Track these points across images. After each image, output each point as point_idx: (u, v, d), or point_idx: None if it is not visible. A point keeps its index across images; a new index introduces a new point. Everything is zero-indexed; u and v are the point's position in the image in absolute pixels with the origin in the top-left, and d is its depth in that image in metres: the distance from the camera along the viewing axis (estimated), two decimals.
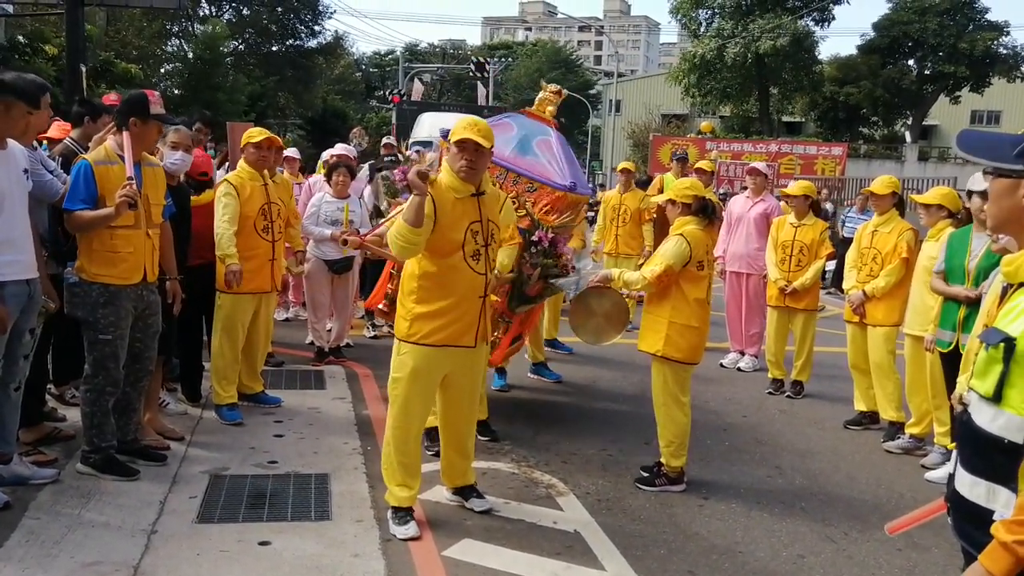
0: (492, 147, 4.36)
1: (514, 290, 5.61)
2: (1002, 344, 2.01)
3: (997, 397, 2.02)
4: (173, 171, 5.41)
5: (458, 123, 4.34)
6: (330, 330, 8.11)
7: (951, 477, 2.23)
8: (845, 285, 6.85)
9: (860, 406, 6.90)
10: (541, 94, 6.46)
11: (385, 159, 9.30)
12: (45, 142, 5.83)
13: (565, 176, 5.95)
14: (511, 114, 6.57)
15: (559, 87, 6.58)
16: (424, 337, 4.30)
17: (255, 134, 6.11)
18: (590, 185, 7.01)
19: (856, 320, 6.65)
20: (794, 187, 7.92)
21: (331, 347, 7.98)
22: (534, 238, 5.59)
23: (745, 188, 9.40)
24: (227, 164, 7.44)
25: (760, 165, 9.11)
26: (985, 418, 2.06)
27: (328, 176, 8.02)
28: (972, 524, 2.11)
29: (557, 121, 6.40)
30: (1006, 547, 1.90)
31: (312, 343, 8.11)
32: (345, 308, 8.15)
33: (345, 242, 6.70)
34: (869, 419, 6.86)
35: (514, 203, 5.59)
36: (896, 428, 6.46)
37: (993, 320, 2.15)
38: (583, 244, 9.65)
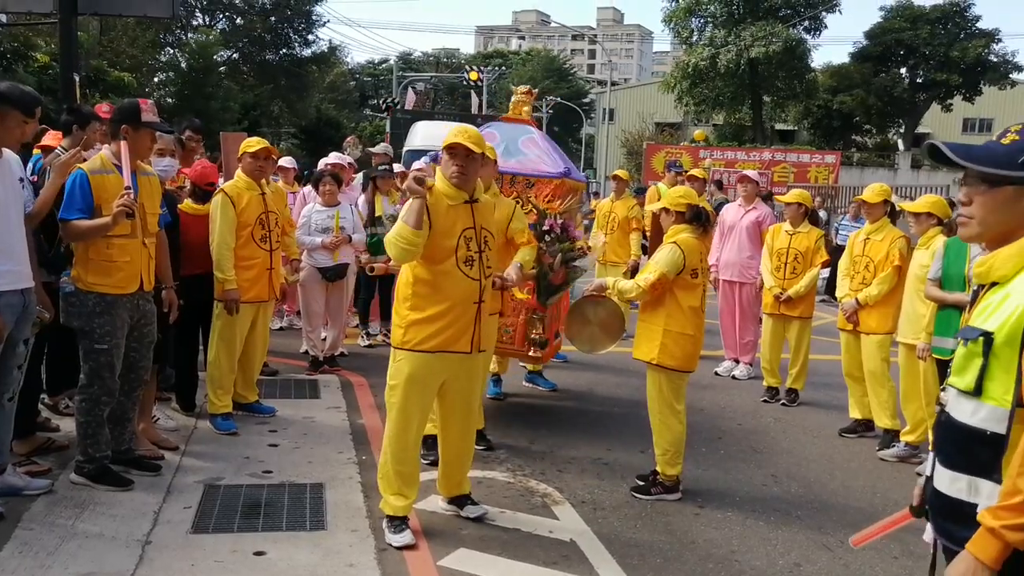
0: (483, 152, 4.38)
1: (540, 284, 5.76)
2: (981, 338, 2.07)
3: (978, 390, 2.07)
4: (164, 177, 5.47)
5: (449, 131, 4.40)
6: (324, 339, 8.11)
7: (928, 480, 2.27)
8: (838, 293, 6.88)
9: (855, 414, 6.91)
10: (514, 97, 6.65)
11: (379, 168, 9.30)
12: (39, 151, 5.83)
13: (557, 165, 6.22)
14: (491, 124, 6.74)
15: (529, 87, 6.79)
16: (419, 343, 4.31)
17: (253, 144, 6.13)
18: (582, 173, 7.32)
19: (850, 328, 6.67)
20: (789, 195, 7.93)
21: (325, 356, 7.97)
22: (545, 227, 5.77)
23: (712, 190, 9.41)
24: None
25: (751, 173, 9.13)
26: (965, 412, 2.11)
27: (315, 186, 8.06)
28: (953, 520, 2.15)
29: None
30: (993, 532, 1.94)
31: (306, 352, 8.10)
32: (339, 316, 8.14)
33: (372, 269, 6.83)
34: (864, 427, 6.87)
35: (517, 203, 5.72)
36: (891, 436, 6.47)
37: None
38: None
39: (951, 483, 2.14)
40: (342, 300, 8.16)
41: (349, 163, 9.59)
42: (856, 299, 6.53)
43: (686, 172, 10.72)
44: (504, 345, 6.09)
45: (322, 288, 7.89)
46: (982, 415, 2.06)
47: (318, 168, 8.97)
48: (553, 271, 5.68)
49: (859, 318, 6.56)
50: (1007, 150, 2.13)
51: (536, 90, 6.81)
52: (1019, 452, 1.93)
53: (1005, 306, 2.06)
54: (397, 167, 9.77)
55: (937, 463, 2.21)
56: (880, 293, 6.41)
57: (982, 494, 2.06)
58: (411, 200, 4.18)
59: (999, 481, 2.00)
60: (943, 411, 2.21)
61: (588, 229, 11.26)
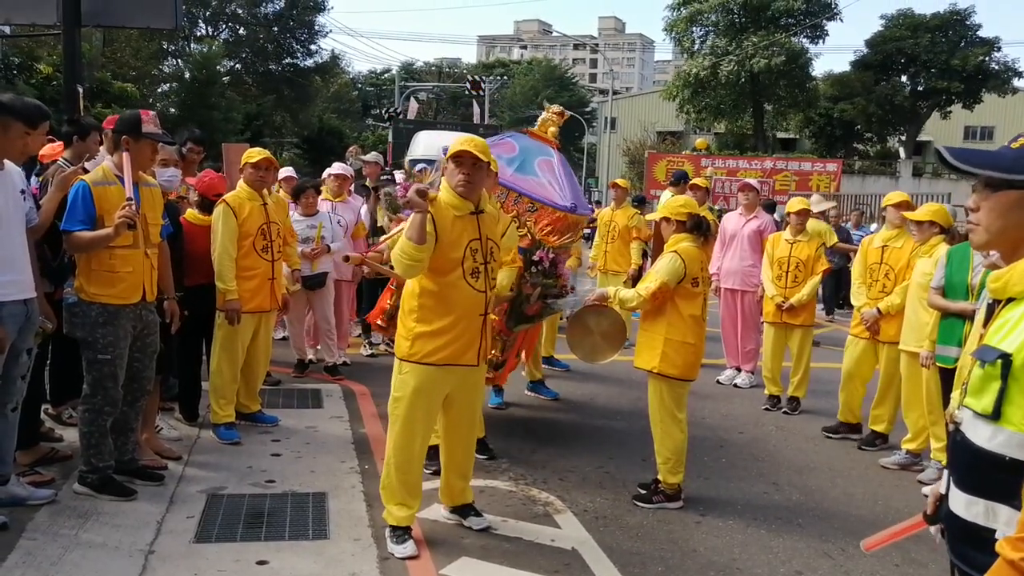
0: (489, 162, 4.39)
1: (513, 309, 5.60)
2: (999, 361, 1.98)
3: (996, 415, 1.99)
4: (168, 188, 5.50)
5: (456, 140, 4.41)
6: (319, 349, 8.16)
7: (943, 498, 2.20)
8: (855, 302, 6.85)
9: (843, 416, 7.01)
10: (544, 114, 6.42)
11: (381, 178, 9.32)
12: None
13: (566, 197, 5.94)
14: (513, 133, 6.52)
15: (562, 108, 6.55)
16: (426, 356, 4.31)
17: (254, 155, 6.16)
18: (589, 206, 7.02)
19: (867, 336, 6.67)
20: (791, 203, 7.93)
21: (328, 366, 8.08)
22: (535, 258, 5.59)
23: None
24: None
25: (752, 181, 9.14)
26: (983, 436, 2.03)
27: (295, 197, 8.08)
28: (970, 544, 2.08)
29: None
30: (1013, 565, 1.86)
31: (302, 361, 8.15)
32: (328, 325, 8.22)
33: (347, 258, 6.77)
34: (847, 428, 6.99)
35: (515, 222, 5.55)
36: (875, 436, 6.71)
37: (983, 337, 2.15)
38: (579, 263, 9.66)
39: (967, 507, 2.07)
40: (327, 308, 8.19)
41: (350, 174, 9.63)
42: (878, 308, 6.53)
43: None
44: None
45: (303, 297, 7.97)
46: (1000, 440, 1.98)
47: (322, 176, 9.03)
48: (529, 302, 5.52)
49: (880, 327, 6.56)
50: (1015, 154, 2.08)
51: (568, 112, 6.55)
52: None
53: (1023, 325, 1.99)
54: (399, 176, 9.80)
55: (952, 484, 2.15)
56: (903, 302, 6.33)
57: (1000, 520, 1.99)
58: (414, 214, 4.14)
59: (1018, 507, 1.93)
60: (957, 431, 2.13)
61: (588, 240, 11.25)
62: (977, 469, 2.05)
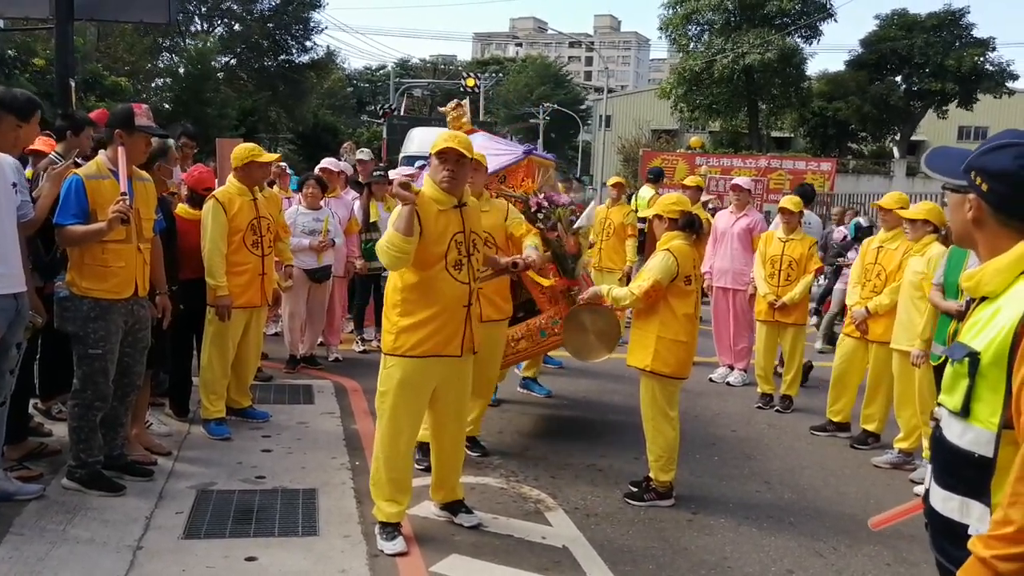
0: (473, 158, 4.44)
1: (559, 263, 5.75)
2: (967, 359, 2.03)
3: (965, 412, 2.03)
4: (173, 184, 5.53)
5: (439, 136, 4.44)
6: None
7: (927, 492, 2.24)
8: (849, 301, 6.87)
9: (832, 416, 7.02)
10: (448, 117, 6.59)
11: (374, 174, 9.30)
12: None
13: (516, 149, 6.40)
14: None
15: (455, 101, 6.79)
16: (410, 349, 4.32)
17: (259, 153, 6.13)
18: (544, 153, 7.33)
19: (857, 336, 6.67)
20: (784, 201, 7.91)
21: (303, 356, 8.10)
22: (532, 207, 5.75)
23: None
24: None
25: (743, 181, 9.12)
26: (955, 433, 2.08)
27: (299, 189, 8.14)
28: (947, 539, 2.12)
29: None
30: (984, 562, 1.89)
31: (293, 356, 8.13)
32: (319, 317, 8.25)
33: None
34: (835, 427, 7.00)
35: (507, 201, 5.69)
36: (867, 435, 6.70)
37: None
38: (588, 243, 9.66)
39: (944, 502, 2.11)
40: (323, 302, 8.26)
41: (340, 170, 9.59)
42: (867, 307, 6.53)
43: (679, 180, 10.74)
44: (558, 337, 5.98)
45: (306, 289, 7.98)
46: (969, 437, 2.03)
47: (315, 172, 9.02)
48: (563, 243, 5.66)
49: (868, 326, 6.56)
50: (961, 156, 2.18)
51: (464, 101, 6.79)
52: (1010, 481, 1.88)
53: (993, 323, 2.02)
54: (393, 173, 9.78)
55: (932, 480, 2.19)
56: (892, 302, 6.35)
57: (972, 515, 2.03)
58: (400, 206, 4.18)
59: (988, 504, 1.98)
60: (938, 427, 2.17)
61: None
62: (952, 465, 2.10)
